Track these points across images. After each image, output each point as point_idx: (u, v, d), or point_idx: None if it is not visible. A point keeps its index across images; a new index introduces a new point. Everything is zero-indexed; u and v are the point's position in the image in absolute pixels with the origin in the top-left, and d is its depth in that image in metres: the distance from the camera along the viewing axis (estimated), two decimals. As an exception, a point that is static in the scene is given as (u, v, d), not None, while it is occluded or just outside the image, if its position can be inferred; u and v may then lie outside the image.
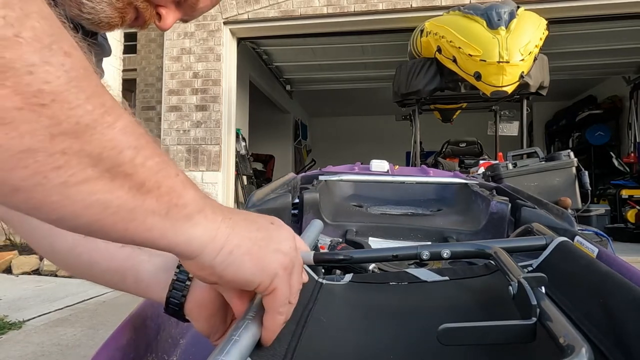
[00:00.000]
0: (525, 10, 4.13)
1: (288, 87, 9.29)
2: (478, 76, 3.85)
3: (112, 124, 0.32)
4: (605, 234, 1.52)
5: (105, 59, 0.75)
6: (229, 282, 0.43)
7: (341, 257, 0.51)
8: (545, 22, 4.12)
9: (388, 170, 1.95)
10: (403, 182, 1.78)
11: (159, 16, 0.64)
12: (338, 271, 0.86)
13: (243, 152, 6.82)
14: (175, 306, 0.48)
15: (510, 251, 0.65)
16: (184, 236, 0.38)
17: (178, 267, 0.49)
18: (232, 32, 5.94)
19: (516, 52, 3.72)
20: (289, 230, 0.48)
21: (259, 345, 0.44)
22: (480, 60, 3.76)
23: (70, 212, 0.32)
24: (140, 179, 0.34)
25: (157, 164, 0.35)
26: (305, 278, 0.51)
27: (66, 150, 0.30)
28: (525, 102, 4.75)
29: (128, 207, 0.34)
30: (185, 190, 0.38)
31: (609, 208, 6.02)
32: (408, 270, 0.76)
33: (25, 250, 4.31)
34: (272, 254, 0.43)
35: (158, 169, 0.35)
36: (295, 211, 1.37)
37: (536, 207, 1.22)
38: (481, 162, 4.32)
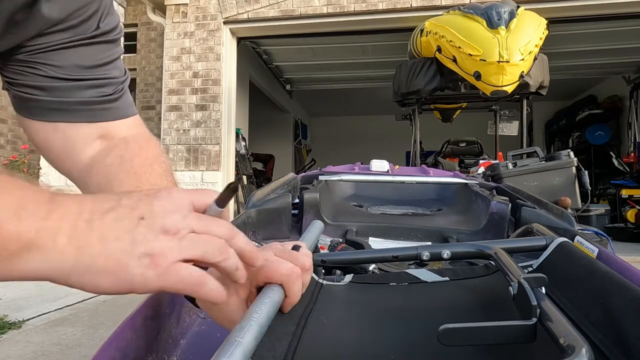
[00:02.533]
0: (525, 10, 4.13)
1: (288, 87, 9.29)
2: (478, 76, 3.85)
3: None
4: (605, 234, 1.52)
5: None
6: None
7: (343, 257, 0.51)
8: (545, 21, 4.13)
9: (388, 170, 1.95)
10: (403, 182, 1.78)
11: None
12: (338, 272, 0.86)
13: (243, 151, 6.82)
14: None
15: (511, 251, 0.65)
16: (21, 272, 0.36)
17: None
18: (232, 32, 5.94)
19: (516, 51, 3.72)
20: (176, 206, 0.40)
21: (259, 344, 0.44)
22: (480, 59, 3.76)
23: None
24: None
25: None
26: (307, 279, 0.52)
27: None
28: (525, 101, 4.76)
29: None
30: (3, 227, 0.35)
31: (609, 208, 6.03)
32: (408, 270, 0.75)
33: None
34: (136, 260, 0.38)
35: None
36: (296, 211, 1.37)
37: (536, 207, 1.22)
38: (481, 161, 4.33)
